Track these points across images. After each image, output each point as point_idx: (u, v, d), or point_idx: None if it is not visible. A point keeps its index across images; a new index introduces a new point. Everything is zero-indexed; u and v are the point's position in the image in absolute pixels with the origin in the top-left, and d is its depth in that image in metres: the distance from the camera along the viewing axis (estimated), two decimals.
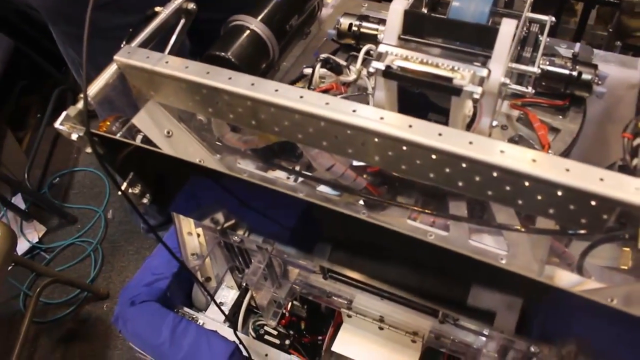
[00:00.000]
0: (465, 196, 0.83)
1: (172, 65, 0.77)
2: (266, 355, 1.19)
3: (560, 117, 0.90)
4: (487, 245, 0.81)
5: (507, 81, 0.75)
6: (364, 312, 1.07)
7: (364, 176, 0.86)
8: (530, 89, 0.85)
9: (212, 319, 1.25)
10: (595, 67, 0.87)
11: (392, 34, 0.81)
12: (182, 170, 0.81)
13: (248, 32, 0.90)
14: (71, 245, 1.96)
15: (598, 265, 0.79)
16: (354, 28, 0.96)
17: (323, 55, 0.84)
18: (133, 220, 1.94)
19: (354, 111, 0.66)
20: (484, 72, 0.71)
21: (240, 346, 1.13)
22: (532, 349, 0.83)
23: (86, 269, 1.90)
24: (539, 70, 0.83)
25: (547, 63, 0.88)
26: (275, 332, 1.27)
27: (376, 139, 0.66)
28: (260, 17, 0.91)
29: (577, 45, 0.99)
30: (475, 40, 0.80)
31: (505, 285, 0.68)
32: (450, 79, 0.69)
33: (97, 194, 2.07)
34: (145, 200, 0.90)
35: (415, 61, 0.72)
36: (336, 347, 1.15)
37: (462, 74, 0.70)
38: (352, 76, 0.87)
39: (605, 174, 0.58)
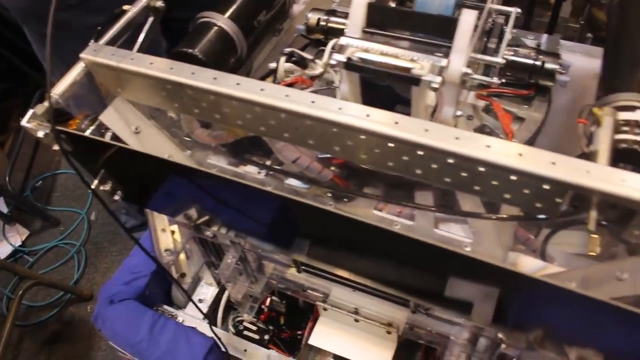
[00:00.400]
0: (431, 187, 0.84)
1: (137, 62, 0.77)
2: (245, 350, 1.20)
3: (526, 106, 0.91)
4: (452, 234, 0.82)
5: (469, 71, 0.76)
6: (339, 305, 1.08)
7: (332, 168, 0.87)
8: (495, 79, 0.86)
9: (191, 316, 1.25)
10: (558, 56, 0.88)
11: (356, 27, 0.82)
12: (161, 170, 0.82)
13: (215, 28, 0.90)
14: (54, 247, 1.96)
15: (563, 252, 0.81)
16: (322, 23, 0.97)
17: (287, 50, 0.85)
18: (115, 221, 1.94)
19: (312, 102, 0.67)
20: (443, 62, 0.72)
21: (219, 342, 1.13)
22: (500, 336, 0.84)
23: (69, 271, 1.90)
24: (503, 61, 0.84)
25: (512, 53, 0.89)
26: (254, 328, 1.28)
27: (335, 129, 0.67)
28: (227, 14, 0.92)
29: (544, 36, 1.01)
30: (437, 32, 0.80)
31: (481, 276, 0.68)
32: (409, 69, 0.70)
33: (80, 196, 2.06)
34: (116, 197, 0.90)
35: (375, 53, 0.73)
36: (313, 340, 1.16)
37: (421, 64, 0.71)
38: (318, 70, 0.88)
39: (557, 158, 0.59)
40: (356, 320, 1.10)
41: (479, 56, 0.84)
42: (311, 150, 0.83)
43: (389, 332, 1.07)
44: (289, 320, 1.31)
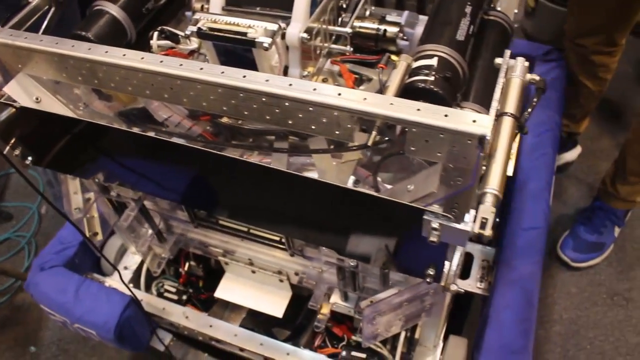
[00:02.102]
0: (286, 138, 0.99)
1: (29, 40, 0.92)
2: (163, 308, 1.33)
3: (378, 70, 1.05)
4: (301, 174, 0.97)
5: (306, 36, 0.90)
6: (236, 258, 1.22)
7: (208, 128, 1.02)
8: (348, 48, 1.01)
9: (117, 281, 1.38)
10: (398, 25, 1.02)
11: (216, 6, 0.97)
12: (69, 135, 0.96)
13: (106, 15, 1.04)
14: (7, 240, 2.08)
15: (389, 185, 0.96)
16: (205, 8, 1.11)
17: (159, 28, 1.00)
18: (59, 206, 2.06)
19: (161, 62, 0.82)
20: (274, 27, 0.87)
21: (135, 298, 1.26)
22: (352, 263, 0.98)
23: (21, 261, 2.02)
24: (350, 30, 1.00)
25: (359, 25, 1.03)
26: (174, 290, 1.41)
27: (179, 82, 0.81)
28: (118, 3, 1.06)
29: (405, 12, 1.15)
30: (281, 6, 0.95)
31: (378, 231, 0.82)
32: (245, 34, 0.85)
33: (32, 192, 2.17)
34: (27, 162, 1.04)
35: (221, 23, 0.88)
36: (218, 294, 1.29)
37: (255, 29, 0.86)
38: (193, 45, 1.02)
39: (343, 90, 0.74)
40: (253, 272, 1.24)
41: (330, 27, 1.00)
42: (179, 108, 0.98)
43: (281, 280, 1.21)
44: (207, 284, 1.44)
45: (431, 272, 0.80)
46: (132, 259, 1.43)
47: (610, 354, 1.63)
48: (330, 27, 1.00)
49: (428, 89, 0.80)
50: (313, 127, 0.78)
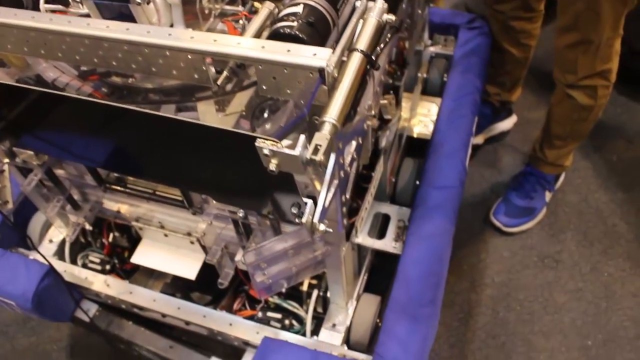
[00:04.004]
0: (174, 95, 1.02)
1: None
2: (85, 278, 1.35)
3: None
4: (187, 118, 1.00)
5: None
6: (147, 223, 1.24)
7: (104, 90, 1.04)
8: (240, 8, 1.04)
9: (42, 255, 1.40)
10: None
11: None
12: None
13: None
14: None
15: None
16: None
17: None
18: None
19: (32, 17, 0.85)
20: None
21: (53, 267, 1.28)
22: (241, 214, 1.01)
23: None
24: None
25: None
26: (98, 261, 1.43)
27: (50, 37, 0.84)
28: None
29: None
30: None
31: (260, 179, 0.83)
32: None
33: None
34: None
35: None
36: (135, 259, 1.32)
37: None
38: (85, 10, 1.05)
39: (195, 34, 0.77)
40: (166, 235, 1.26)
41: None
42: (67, 69, 1.00)
43: (192, 242, 1.24)
44: (132, 254, 1.46)
45: (294, 210, 0.83)
46: (57, 232, 1.45)
47: (539, 314, 1.67)
48: None
49: (293, 35, 0.83)
50: (174, 72, 0.81)
